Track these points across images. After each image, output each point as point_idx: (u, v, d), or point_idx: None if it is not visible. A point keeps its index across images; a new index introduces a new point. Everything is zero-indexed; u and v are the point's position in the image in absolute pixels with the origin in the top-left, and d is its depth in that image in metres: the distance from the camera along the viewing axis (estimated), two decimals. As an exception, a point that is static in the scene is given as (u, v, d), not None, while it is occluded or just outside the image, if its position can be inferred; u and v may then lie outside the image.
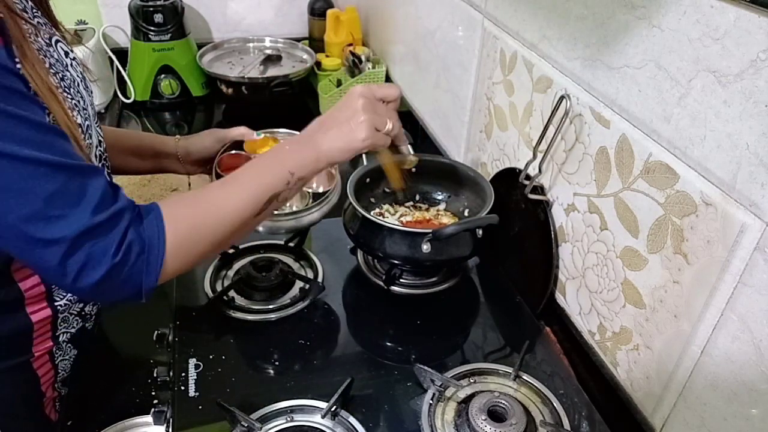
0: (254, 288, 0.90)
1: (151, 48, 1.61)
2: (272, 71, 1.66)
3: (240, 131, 0.94)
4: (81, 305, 0.81)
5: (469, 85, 1.12)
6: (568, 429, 0.70)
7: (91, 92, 0.79)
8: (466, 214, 1.00)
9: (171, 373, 0.78)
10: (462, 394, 0.74)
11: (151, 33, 1.60)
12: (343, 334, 0.87)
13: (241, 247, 0.97)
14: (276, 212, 0.83)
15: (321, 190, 0.89)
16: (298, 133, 0.95)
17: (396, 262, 0.88)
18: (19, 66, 0.57)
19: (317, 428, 0.70)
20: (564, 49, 0.81)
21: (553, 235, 0.87)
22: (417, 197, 1.04)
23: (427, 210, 1.03)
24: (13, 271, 0.71)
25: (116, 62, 1.67)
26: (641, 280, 0.71)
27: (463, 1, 1.10)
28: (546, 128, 0.83)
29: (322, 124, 0.75)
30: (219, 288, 0.90)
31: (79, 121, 0.68)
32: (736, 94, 0.55)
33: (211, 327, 0.86)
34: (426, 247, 0.83)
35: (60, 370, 0.81)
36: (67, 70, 0.71)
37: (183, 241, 0.64)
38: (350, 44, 1.69)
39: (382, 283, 0.91)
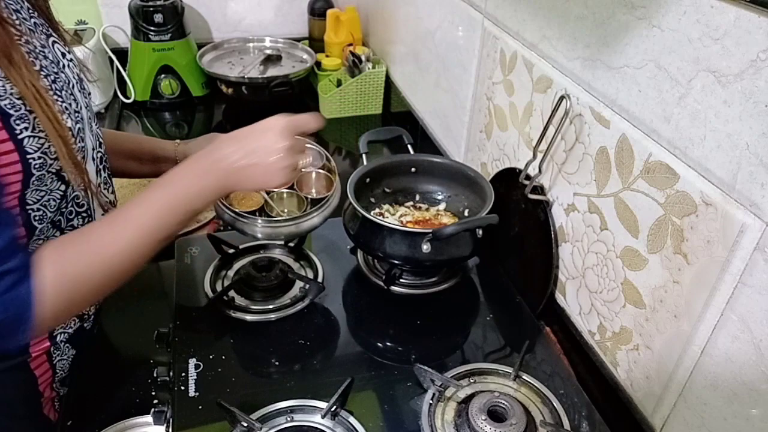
0: (254, 288, 0.89)
1: (151, 48, 1.61)
2: (272, 71, 1.66)
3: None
4: None
5: (469, 85, 1.12)
6: (568, 429, 0.70)
7: (89, 94, 0.79)
8: (466, 214, 1.00)
9: (171, 373, 0.78)
10: (462, 394, 0.74)
11: (151, 33, 1.60)
12: (343, 334, 0.87)
13: (241, 247, 0.97)
14: (275, 218, 0.83)
15: (319, 195, 0.88)
16: (303, 139, 0.95)
17: (396, 262, 0.88)
18: None
19: (317, 428, 0.70)
20: (564, 49, 0.81)
21: (553, 235, 0.87)
22: (417, 197, 1.04)
23: (427, 210, 1.03)
24: None
25: (116, 62, 1.67)
26: (641, 280, 0.71)
27: (463, 1, 1.10)
28: (546, 128, 0.83)
29: (234, 151, 0.70)
30: (219, 288, 0.90)
31: (69, 124, 0.67)
32: (736, 94, 0.55)
33: (211, 327, 0.86)
34: (426, 247, 0.83)
35: (58, 370, 0.81)
36: (62, 72, 0.71)
37: (61, 296, 0.61)
38: (350, 44, 1.69)
39: (382, 283, 0.91)
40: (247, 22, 1.86)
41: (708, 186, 0.59)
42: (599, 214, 0.77)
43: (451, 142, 1.27)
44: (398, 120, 1.59)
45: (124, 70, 1.68)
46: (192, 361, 0.79)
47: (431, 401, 0.73)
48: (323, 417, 0.71)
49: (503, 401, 0.70)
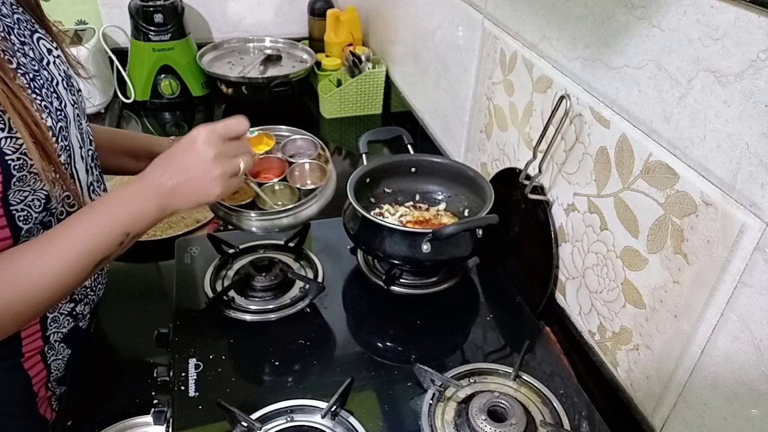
0: (254, 288, 0.89)
1: (151, 48, 1.61)
2: (272, 71, 1.66)
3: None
4: (72, 305, 0.80)
5: (469, 85, 1.12)
6: (568, 429, 0.70)
7: (78, 91, 0.78)
8: (466, 214, 1.00)
9: (171, 373, 0.78)
10: (462, 394, 0.74)
11: (151, 33, 1.60)
12: (343, 334, 0.87)
13: (241, 247, 0.97)
14: (271, 210, 0.81)
15: (312, 186, 0.85)
16: (296, 130, 0.93)
17: (396, 262, 0.88)
18: None
19: (317, 428, 0.70)
20: (564, 49, 0.81)
21: (553, 235, 0.87)
22: (417, 197, 1.04)
23: (427, 210, 1.03)
24: None
25: (116, 62, 1.67)
26: (641, 280, 0.71)
27: (463, 1, 1.10)
28: (546, 128, 0.83)
29: (164, 172, 0.68)
30: (219, 288, 0.90)
31: (49, 123, 0.66)
32: (736, 94, 0.55)
33: (211, 327, 0.86)
34: (426, 247, 0.83)
35: (53, 370, 0.80)
36: (45, 69, 0.70)
37: None
38: (350, 44, 1.69)
39: (382, 283, 0.91)
40: (247, 22, 1.86)
41: (708, 186, 0.59)
42: (599, 214, 0.77)
43: (451, 142, 1.27)
44: (398, 120, 1.60)
45: (124, 70, 1.68)
46: (192, 361, 0.79)
47: (431, 401, 0.73)
48: (323, 417, 0.71)
49: (503, 401, 0.70)
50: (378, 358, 0.82)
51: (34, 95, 0.65)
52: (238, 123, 0.72)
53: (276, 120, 1.71)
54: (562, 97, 0.79)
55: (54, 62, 0.73)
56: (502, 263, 0.99)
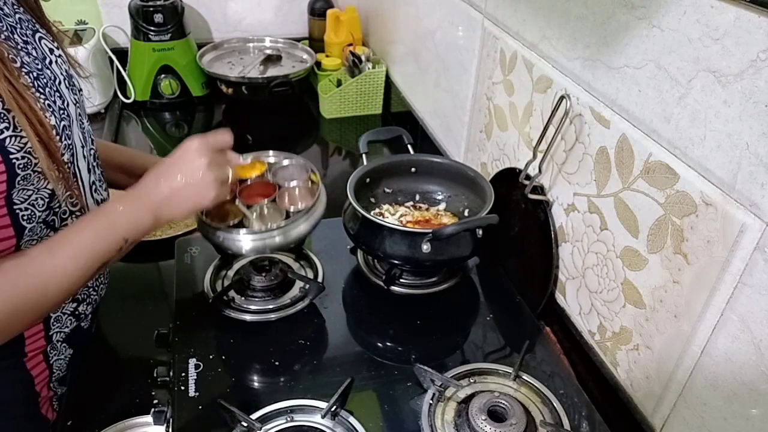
0: (254, 288, 0.89)
1: (151, 48, 1.61)
2: (272, 71, 1.67)
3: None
4: (74, 305, 0.80)
5: (469, 85, 1.12)
6: (568, 429, 0.70)
7: (79, 90, 0.79)
8: (466, 214, 1.00)
9: (171, 373, 0.78)
10: (462, 394, 0.74)
11: (151, 33, 1.60)
12: (343, 334, 0.87)
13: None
14: (260, 230, 0.82)
15: (301, 207, 0.86)
16: (288, 154, 0.94)
17: (396, 262, 0.88)
18: None
19: (317, 428, 0.70)
20: (564, 49, 0.81)
21: (553, 235, 0.87)
22: (417, 197, 1.04)
23: (427, 210, 1.03)
24: None
25: (116, 62, 1.67)
26: (641, 280, 0.71)
27: (463, 1, 1.10)
28: (546, 128, 0.83)
29: (162, 183, 0.71)
30: (219, 288, 0.90)
31: (53, 122, 0.67)
32: (736, 94, 0.55)
33: (211, 327, 0.86)
34: (426, 247, 0.83)
35: (55, 370, 0.80)
36: (48, 68, 0.70)
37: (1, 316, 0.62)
38: (350, 44, 1.69)
39: (382, 283, 0.91)
40: (247, 22, 1.86)
41: (708, 186, 0.59)
42: (599, 214, 0.77)
43: (451, 142, 1.27)
44: (398, 120, 1.59)
45: (124, 70, 1.68)
46: (192, 361, 0.79)
47: (431, 401, 0.73)
48: (323, 417, 0.71)
49: (503, 401, 0.70)
50: (378, 358, 0.82)
51: (38, 94, 0.66)
52: (224, 136, 0.77)
53: (276, 120, 1.72)
54: (562, 97, 0.79)
55: (56, 61, 0.73)
56: (502, 263, 0.99)
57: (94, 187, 0.80)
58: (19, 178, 0.63)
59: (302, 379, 0.77)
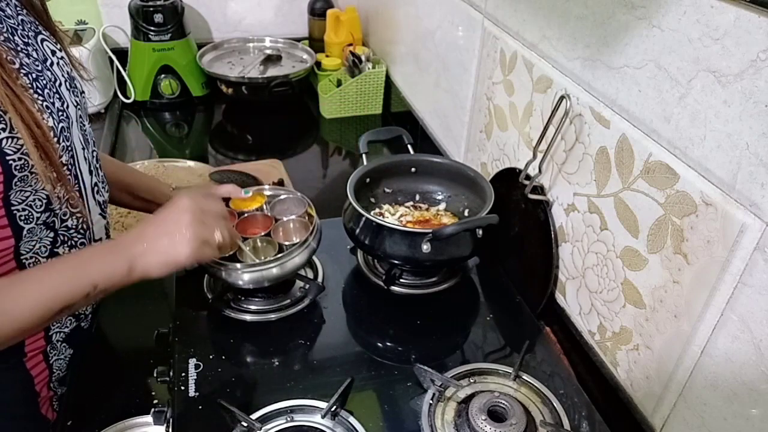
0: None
1: (151, 48, 1.61)
2: (272, 71, 1.67)
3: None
4: None
5: (469, 85, 1.12)
6: (568, 429, 0.70)
7: (81, 93, 0.79)
8: (466, 214, 1.00)
9: (171, 373, 0.78)
10: (462, 394, 0.74)
11: (151, 33, 1.60)
12: (343, 334, 0.87)
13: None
14: (257, 261, 0.82)
15: (295, 240, 0.87)
16: (287, 189, 0.96)
17: (396, 262, 0.88)
18: None
19: (317, 428, 0.70)
20: (564, 49, 0.81)
21: (553, 235, 0.87)
22: (417, 197, 1.04)
23: (427, 210, 1.03)
24: None
25: (116, 62, 1.67)
26: (641, 280, 0.71)
27: (463, 1, 1.10)
28: (546, 128, 0.83)
29: (141, 234, 0.70)
30: (219, 288, 0.90)
31: (51, 123, 0.66)
32: (736, 94, 0.55)
33: (211, 327, 0.86)
34: (426, 247, 0.83)
35: (55, 370, 0.80)
36: (48, 70, 0.70)
37: None
38: (350, 44, 1.69)
39: (382, 283, 0.91)
40: (247, 22, 1.86)
41: (708, 186, 0.59)
42: (599, 214, 0.77)
43: (451, 142, 1.27)
44: (398, 120, 1.60)
45: (124, 70, 1.68)
46: (192, 361, 0.79)
47: (431, 401, 0.73)
48: (323, 417, 0.71)
49: (503, 401, 0.70)
50: (378, 358, 0.82)
51: (36, 95, 0.66)
52: (225, 188, 0.83)
53: (276, 120, 1.72)
54: (562, 97, 0.79)
55: (58, 63, 0.73)
56: (502, 263, 0.99)
57: (96, 189, 0.80)
58: (16, 180, 0.63)
59: (302, 379, 0.77)
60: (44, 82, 0.68)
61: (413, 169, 1.02)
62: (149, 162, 1.39)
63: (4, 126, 0.60)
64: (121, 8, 1.63)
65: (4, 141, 0.60)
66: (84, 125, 0.78)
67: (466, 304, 0.93)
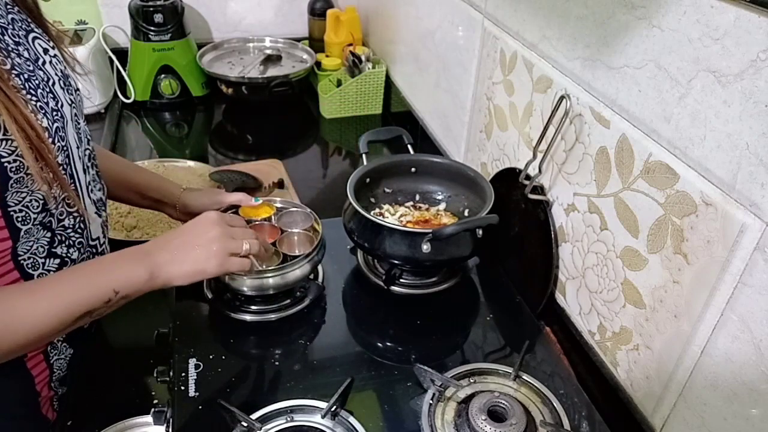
0: (254, 288, 0.89)
1: (151, 48, 1.61)
2: (272, 71, 1.67)
3: (238, 197, 0.93)
4: None
5: (469, 85, 1.12)
6: (568, 429, 0.70)
7: (76, 90, 0.78)
8: (466, 214, 1.00)
9: (171, 373, 0.78)
10: (462, 394, 0.74)
11: (151, 33, 1.60)
12: (343, 334, 0.87)
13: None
14: (260, 270, 0.83)
15: (299, 253, 0.88)
16: (296, 203, 0.97)
17: (396, 262, 0.88)
18: None
19: (317, 428, 0.70)
20: (564, 49, 0.81)
21: (553, 235, 0.87)
22: (417, 197, 1.04)
23: (427, 210, 1.03)
24: None
25: (116, 62, 1.67)
26: (641, 280, 0.71)
27: (463, 1, 1.10)
28: (546, 128, 0.83)
29: (166, 243, 0.71)
30: (219, 288, 0.90)
31: (45, 124, 0.66)
32: (736, 94, 0.55)
33: (211, 327, 0.86)
34: (426, 247, 0.83)
35: (56, 369, 0.80)
36: (41, 69, 0.70)
37: None
38: (350, 44, 1.69)
39: (382, 283, 0.91)
40: (247, 22, 1.86)
41: (708, 186, 0.59)
42: (599, 214, 0.77)
43: (451, 142, 1.27)
44: (398, 120, 1.60)
45: (124, 70, 1.68)
46: (192, 361, 0.79)
47: (431, 401, 0.73)
48: (323, 417, 0.71)
49: (503, 401, 0.70)
50: (378, 358, 0.82)
51: (29, 96, 0.65)
52: (240, 218, 0.84)
53: (276, 120, 1.72)
54: (562, 97, 0.79)
55: (50, 62, 0.73)
56: (502, 263, 0.99)
57: (90, 187, 0.80)
58: (11, 182, 0.63)
59: (302, 379, 0.77)
60: (37, 81, 0.68)
61: (413, 169, 1.02)
62: (149, 162, 1.39)
63: None
64: (121, 8, 1.63)
65: None
66: (79, 123, 0.77)
67: (466, 304, 0.93)
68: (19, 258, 0.69)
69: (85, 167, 0.79)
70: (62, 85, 0.74)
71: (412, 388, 0.76)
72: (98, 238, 0.82)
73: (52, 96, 0.70)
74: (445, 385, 0.75)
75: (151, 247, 0.71)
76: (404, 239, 0.85)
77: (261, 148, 1.54)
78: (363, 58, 1.62)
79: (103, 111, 1.63)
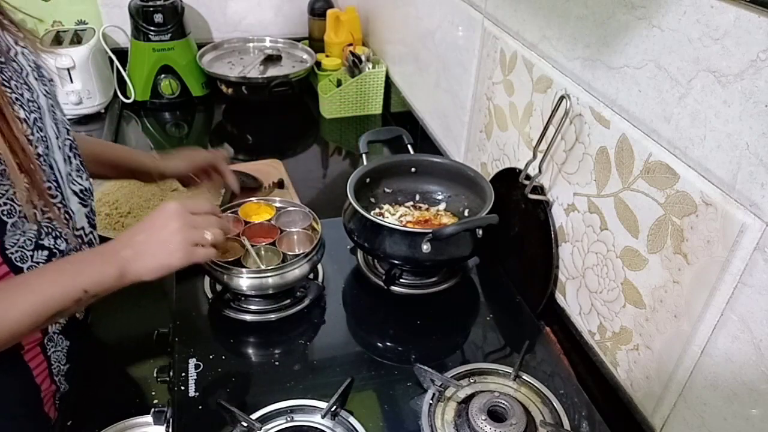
0: (254, 288, 0.90)
1: (151, 48, 1.61)
2: (272, 71, 1.67)
3: (212, 154, 0.97)
4: None
5: (469, 85, 1.12)
6: (568, 429, 0.70)
7: (50, 80, 0.78)
8: (466, 214, 1.00)
9: (171, 373, 0.78)
10: (462, 394, 0.74)
11: (151, 33, 1.60)
12: (343, 334, 0.87)
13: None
14: (260, 269, 0.84)
15: (298, 252, 0.88)
16: (294, 202, 0.98)
17: (396, 262, 0.88)
18: None
19: (317, 428, 0.70)
20: (564, 49, 0.81)
21: (553, 235, 0.87)
22: (417, 197, 1.04)
23: (427, 210, 1.03)
24: None
25: (116, 62, 1.67)
26: (641, 280, 0.71)
27: (463, 1, 1.10)
28: (546, 128, 0.83)
29: (130, 240, 0.71)
30: (219, 288, 0.90)
31: (22, 115, 0.66)
32: (736, 94, 0.55)
33: (211, 327, 0.86)
34: (426, 247, 0.83)
35: (54, 362, 0.81)
36: (13, 60, 0.70)
37: None
38: (350, 44, 1.69)
39: (382, 283, 0.91)
40: (247, 22, 1.86)
41: (708, 186, 0.59)
42: (599, 214, 0.77)
43: (451, 142, 1.27)
44: (398, 120, 1.59)
45: (124, 70, 1.68)
46: (192, 361, 0.79)
47: (431, 401, 0.73)
48: (323, 417, 0.71)
49: (503, 401, 0.70)
50: (378, 358, 0.82)
51: (4, 88, 0.65)
52: (203, 204, 0.78)
53: (276, 120, 1.72)
54: (562, 97, 0.79)
55: (22, 53, 0.72)
56: (502, 263, 0.99)
57: (70, 177, 0.79)
58: (8, 225, 0.64)
59: (302, 379, 0.77)
60: (9, 73, 0.68)
61: (413, 169, 1.02)
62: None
63: None
64: (121, 8, 1.63)
65: None
66: (55, 114, 0.77)
67: (466, 304, 0.93)
68: (7, 251, 0.69)
69: (66, 157, 0.78)
70: (36, 75, 0.73)
71: (412, 388, 0.76)
72: (83, 228, 0.81)
73: (26, 87, 0.70)
74: (445, 385, 0.75)
75: (117, 244, 0.71)
76: (404, 239, 0.85)
77: (261, 148, 1.54)
78: (363, 58, 1.62)
79: (103, 111, 1.62)
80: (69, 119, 0.84)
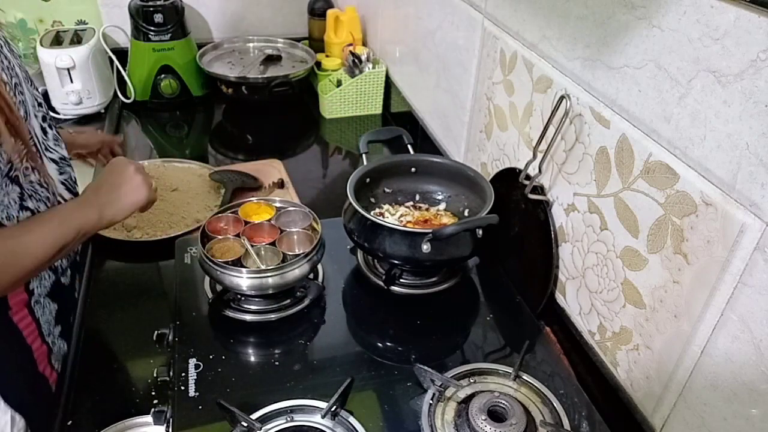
0: (254, 288, 0.89)
1: (151, 48, 1.61)
2: (272, 71, 1.67)
3: (110, 137, 1.16)
4: None
5: (469, 85, 1.12)
6: (568, 429, 0.70)
7: (19, 56, 0.85)
8: (466, 214, 1.00)
9: (171, 373, 0.78)
10: (462, 394, 0.74)
11: (151, 33, 1.60)
12: (343, 334, 0.87)
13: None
14: (260, 268, 0.84)
15: (298, 252, 0.88)
16: (293, 202, 1.00)
17: (396, 262, 0.88)
18: None
19: (317, 428, 0.70)
20: (564, 49, 0.81)
21: (553, 235, 0.87)
22: (417, 197, 1.04)
23: (427, 210, 1.03)
24: None
25: (116, 62, 1.67)
26: (641, 280, 0.71)
27: (463, 1, 1.10)
28: (546, 128, 0.83)
29: (99, 189, 0.85)
30: (219, 288, 0.90)
31: (4, 78, 0.72)
32: (736, 94, 0.55)
33: (211, 327, 0.86)
34: (426, 247, 0.83)
35: (43, 323, 0.85)
36: None
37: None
38: (350, 44, 1.69)
39: (382, 283, 0.91)
40: (247, 22, 1.86)
41: (708, 186, 0.59)
42: (599, 214, 0.77)
43: (451, 142, 1.27)
44: (398, 120, 1.59)
45: (124, 70, 1.68)
46: (192, 361, 0.79)
47: (431, 401, 0.73)
48: (323, 417, 0.71)
49: (503, 401, 0.70)
50: (378, 358, 0.82)
51: None
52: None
53: (276, 120, 1.72)
54: (562, 97, 0.79)
55: None
56: (502, 263, 0.99)
57: (47, 145, 0.86)
58: None
59: (302, 379, 0.77)
60: None
61: (413, 169, 1.02)
62: (149, 162, 1.39)
63: None
64: (121, 8, 1.63)
65: None
66: (30, 84, 0.83)
67: (466, 304, 0.93)
68: None
69: (42, 127, 0.85)
70: (9, 49, 0.79)
71: (412, 388, 0.76)
72: (61, 195, 0.88)
73: (3, 56, 0.75)
74: (445, 385, 0.75)
75: (91, 194, 0.85)
76: (404, 239, 0.85)
77: (261, 148, 1.54)
78: (363, 58, 1.62)
79: (103, 111, 1.63)
80: (69, 119, 0.94)
